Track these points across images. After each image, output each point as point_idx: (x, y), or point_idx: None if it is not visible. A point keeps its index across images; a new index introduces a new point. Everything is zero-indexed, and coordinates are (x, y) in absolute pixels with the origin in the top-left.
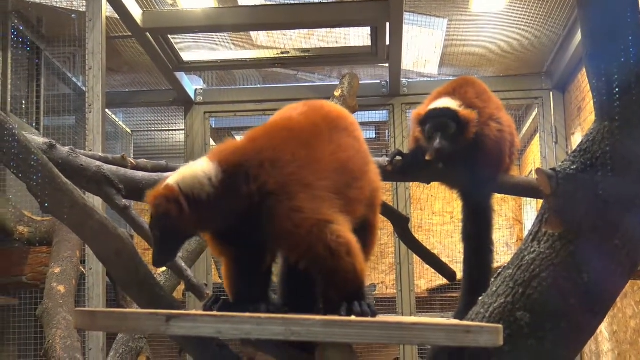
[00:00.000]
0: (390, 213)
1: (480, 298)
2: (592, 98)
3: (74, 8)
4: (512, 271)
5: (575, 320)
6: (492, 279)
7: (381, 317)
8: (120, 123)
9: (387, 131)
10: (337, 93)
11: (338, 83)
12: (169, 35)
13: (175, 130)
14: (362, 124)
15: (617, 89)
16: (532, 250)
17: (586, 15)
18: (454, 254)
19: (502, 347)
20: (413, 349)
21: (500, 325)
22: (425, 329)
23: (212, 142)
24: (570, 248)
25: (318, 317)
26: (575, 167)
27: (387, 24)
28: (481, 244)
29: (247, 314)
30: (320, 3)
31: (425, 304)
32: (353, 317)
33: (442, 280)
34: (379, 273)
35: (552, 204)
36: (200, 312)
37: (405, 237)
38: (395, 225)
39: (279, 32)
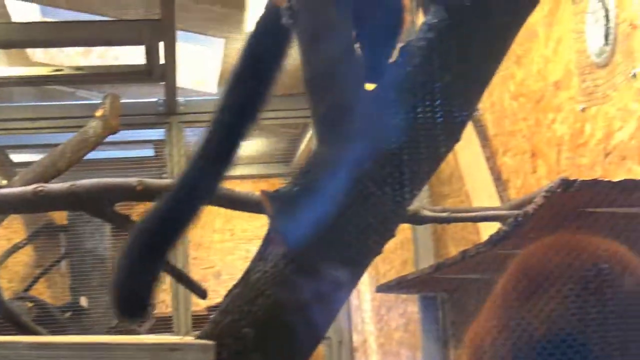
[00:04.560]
0: None
1: (212, 316)
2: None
3: None
4: (239, 290)
5: (299, 334)
6: (224, 297)
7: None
8: None
9: (165, 149)
10: (98, 114)
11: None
12: None
13: None
14: (139, 142)
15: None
16: (258, 269)
17: None
18: (235, 272)
19: None
20: None
21: (211, 342)
22: (127, 348)
23: None
24: (291, 267)
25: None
26: (296, 189)
27: (161, 42)
28: None
29: None
30: (95, 21)
31: (205, 321)
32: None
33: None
34: (159, 292)
35: (275, 224)
36: None
37: None
38: None
39: (56, 49)
